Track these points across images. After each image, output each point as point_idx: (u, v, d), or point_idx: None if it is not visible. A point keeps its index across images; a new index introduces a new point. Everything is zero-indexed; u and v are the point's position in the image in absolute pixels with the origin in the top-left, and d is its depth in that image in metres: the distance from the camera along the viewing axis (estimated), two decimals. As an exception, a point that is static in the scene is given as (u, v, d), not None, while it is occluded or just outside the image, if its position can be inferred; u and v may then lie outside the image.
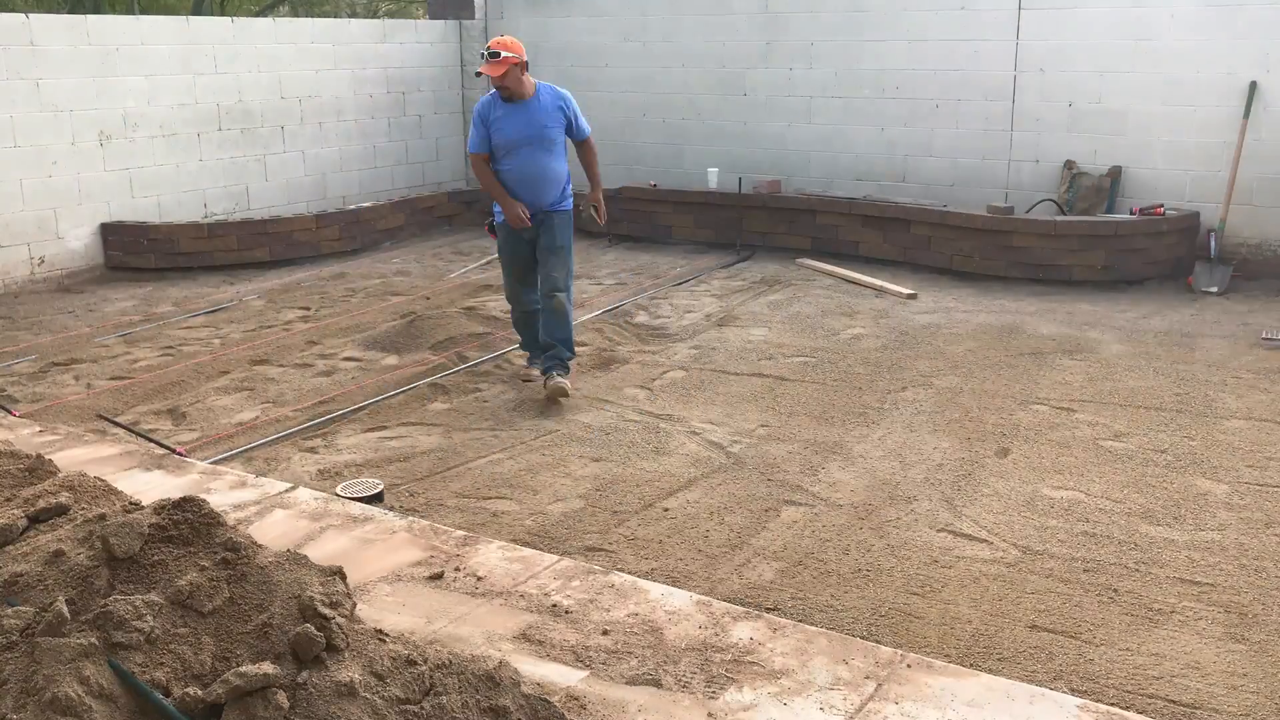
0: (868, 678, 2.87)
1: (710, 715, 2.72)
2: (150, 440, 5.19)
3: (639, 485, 4.75)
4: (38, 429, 5.08)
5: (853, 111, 9.88)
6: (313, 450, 5.22)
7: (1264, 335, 6.79)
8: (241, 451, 5.15)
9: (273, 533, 3.77)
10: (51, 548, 2.54)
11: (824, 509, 4.49)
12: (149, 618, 2.33)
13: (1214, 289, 8.07)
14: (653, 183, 10.62)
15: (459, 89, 11.94)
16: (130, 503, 2.93)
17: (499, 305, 7.85)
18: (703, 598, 3.36)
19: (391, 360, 6.68)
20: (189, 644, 2.35)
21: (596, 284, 8.73)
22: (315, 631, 2.36)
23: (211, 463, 4.76)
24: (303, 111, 10.38)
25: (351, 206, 10.40)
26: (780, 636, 3.08)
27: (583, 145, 6.14)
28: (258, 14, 17.57)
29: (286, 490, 4.20)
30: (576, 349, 6.24)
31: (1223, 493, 4.62)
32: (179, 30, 9.44)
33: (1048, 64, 8.91)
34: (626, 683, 2.86)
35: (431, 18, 12.13)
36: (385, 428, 5.52)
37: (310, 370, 6.52)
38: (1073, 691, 3.13)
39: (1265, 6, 8.03)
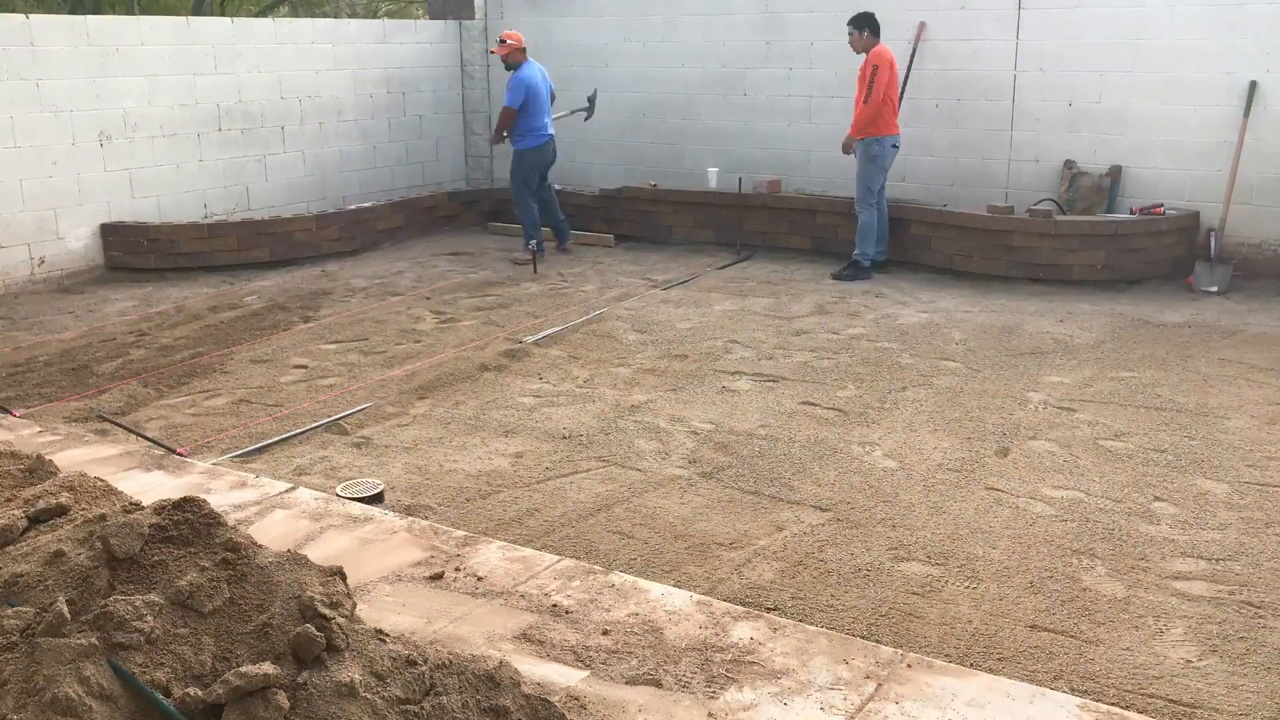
0: (868, 677, 2.88)
1: (710, 715, 2.72)
2: (150, 440, 5.19)
3: (640, 485, 4.75)
4: (38, 429, 5.08)
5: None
6: (313, 450, 5.22)
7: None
8: (242, 452, 5.16)
9: (273, 533, 3.77)
10: (52, 548, 2.54)
11: (824, 509, 4.49)
12: (149, 618, 2.34)
13: (1214, 288, 8.07)
14: (653, 183, 10.62)
15: (459, 89, 11.94)
16: (130, 503, 2.93)
17: (500, 303, 7.87)
18: (703, 598, 3.37)
19: (386, 363, 6.69)
20: (189, 644, 2.36)
21: (595, 283, 8.73)
22: (315, 632, 2.36)
23: (212, 463, 4.76)
24: (303, 111, 10.38)
25: (351, 206, 10.40)
26: (780, 636, 3.09)
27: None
28: (258, 14, 17.55)
29: (286, 490, 4.20)
30: (574, 350, 6.26)
31: (1223, 492, 4.62)
32: (179, 30, 9.44)
33: (1048, 64, 8.91)
34: (627, 683, 2.86)
35: (431, 18, 12.13)
36: (382, 427, 5.52)
37: (310, 371, 6.52)
38: (1073, 691, 3.14)
39: (1265, 5, 8.03)
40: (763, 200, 9.80)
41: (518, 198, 9.69)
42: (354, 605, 2.58)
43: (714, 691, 2.82)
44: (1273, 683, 3.25)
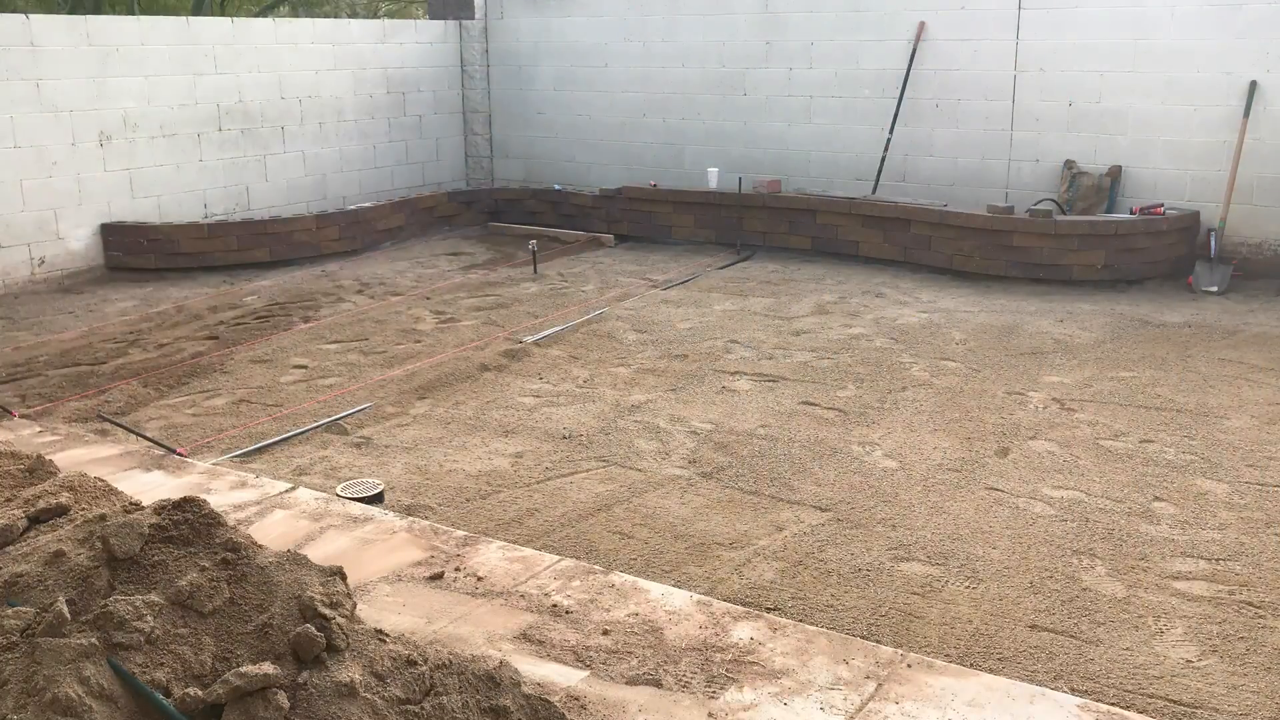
0: (868, 677, 2.88)
1: (710, 715, 2.72)
2: (150, 440, 5.19)
3: (640, 485, 4.75)
4: (38, 429, 5.09)
5: (853, 111, 9.88)
6: (313, 450, 5.22)
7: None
8: (242, 452, 5.16)
9: (273, 533, 3.77)
10: (52, 548, 2.54)
11: (824, 509, 4.49)
12: (149, 618, 2.34)
13: (1214, 288, 8.07)
14: (653, 182, 10.62)
15: (459, 89, 11.94)
16: (130, 503, 2.93)
17: (500, 303, 7.87)
18: (703, 598, 3.37)
19: (385, 363, 6.69)
20: (189, 644, 2.36)
21: (595, 283, 8.73)
22: (315, 632, 2.36)
23: (212, 463, 4.76)
24: (303, 112, 10.38)
25: (351, 207, 10.40)
26: (780, 636, 3.09)
27: None
28: (258, 14, 17.55)
29: (286, 490, 4.20)
30: (574, 350, 6.26)
31: (1223, 492, 4.62)
32: (179, 30, 9.44)
33: (1047, 63, 8.91)
34: (627, 683, 2.86)
35: (431, 18, 12.13)
36: (382, 427, 5.52)
37: (310, 371, 6.52)
38: (1073, 691, 3.14)
39: (1265, 5, 8.03)
40: (763, 200, 9.79)
41: None
42: (354, 605, 2.58)
43: (714, 691, 2.82)
44: (1273, 683, 3.25)
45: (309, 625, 2.37)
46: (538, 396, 5.98)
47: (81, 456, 4.54)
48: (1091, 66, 8.73)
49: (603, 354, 6.77)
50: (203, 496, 2.70)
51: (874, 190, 9.70)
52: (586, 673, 2.91)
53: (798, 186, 10.09)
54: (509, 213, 11.35)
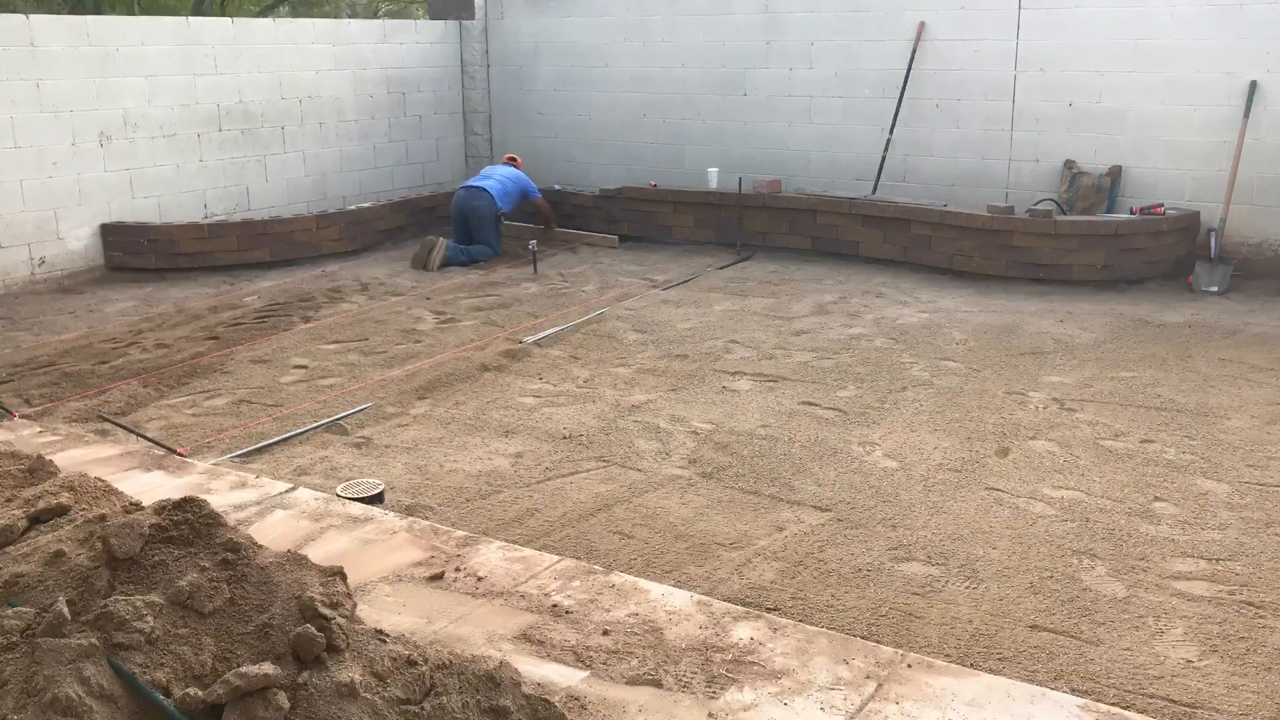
0: (868, 677, 2.88)
1: (711, 715, 2.72)
2: (151, 440, 5.19)
3: (640, 485, 4.75)
4: (38, 429, 5.09)
5: (853, 111, 9.88)
6: (313, 450, 5.22)
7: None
8: (242, 452, 5.16)
9: (273, 533, 3.77)
10: (52, 548, 2.54)
11: (824, 509, 4.49)
12: (149, 618, 2.34)
13: (1214, 288, 8.07)
14: (653, 183, 10.62)
15: (459, 89, 11.94)
16: (131, 503, 2.93)
17: (500, 303, 7.88)
18: (703, 598, 3.37)
19: (384, 364, 6.69)
20: (189, 644, 2.36)
21: (595, 283, 8.73)
22: (316, 632, 2.36)
23: (212, 463, 4.76)
24: (303, 112, 10.38)
25: (352, 207, 10.39)
26: (781, 636, 3.09)
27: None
28: (258, 14, 17.56)
29: (287, 490, 4.20)
30: (574, 350, 6.26)
31: (1223, 492, 4.62)
32: (179, 30, 9.44)
33: (1048, 63, 8.91)
34: (627, 683, 2.86)
35: (431, 18, 12.13)
36: (382, 427, 5.52)
37: (310, 371, 6.52)
38: (1073, 691, 3.14)
39: (1265, 6, 8.03)
40: (763, 200, 9.79)
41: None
42: (354, 605, 2.58)
43: (714, 691, 2.82)
44: (1273, 683, 3.25)
45: (309, 625, 2.37)
46: (538, 396, 5.98)
47: (81, 456, 4.55)
48: (1091, 66, 8.73)
49: (603, 354, 6.77)
50: (203, 496, 2.70)
51: (874, 190, 9.70)
52: (586, 673, 2.91)
53: (798, 186, 10.09)
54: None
